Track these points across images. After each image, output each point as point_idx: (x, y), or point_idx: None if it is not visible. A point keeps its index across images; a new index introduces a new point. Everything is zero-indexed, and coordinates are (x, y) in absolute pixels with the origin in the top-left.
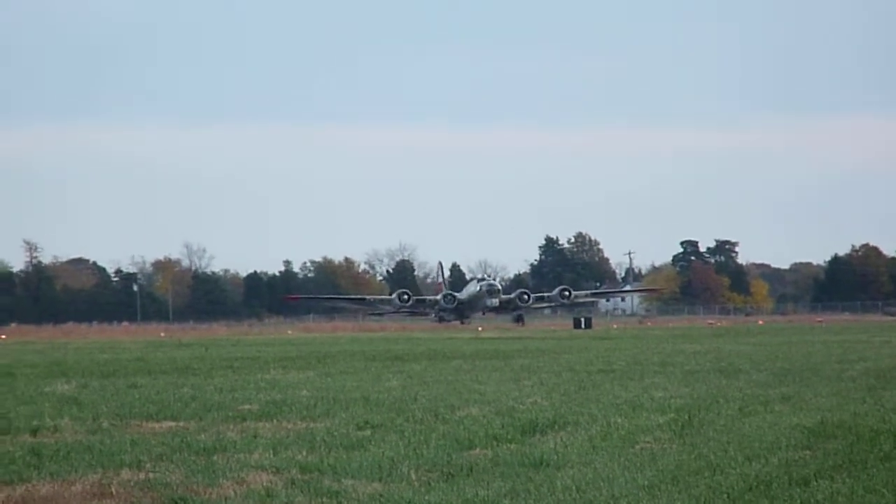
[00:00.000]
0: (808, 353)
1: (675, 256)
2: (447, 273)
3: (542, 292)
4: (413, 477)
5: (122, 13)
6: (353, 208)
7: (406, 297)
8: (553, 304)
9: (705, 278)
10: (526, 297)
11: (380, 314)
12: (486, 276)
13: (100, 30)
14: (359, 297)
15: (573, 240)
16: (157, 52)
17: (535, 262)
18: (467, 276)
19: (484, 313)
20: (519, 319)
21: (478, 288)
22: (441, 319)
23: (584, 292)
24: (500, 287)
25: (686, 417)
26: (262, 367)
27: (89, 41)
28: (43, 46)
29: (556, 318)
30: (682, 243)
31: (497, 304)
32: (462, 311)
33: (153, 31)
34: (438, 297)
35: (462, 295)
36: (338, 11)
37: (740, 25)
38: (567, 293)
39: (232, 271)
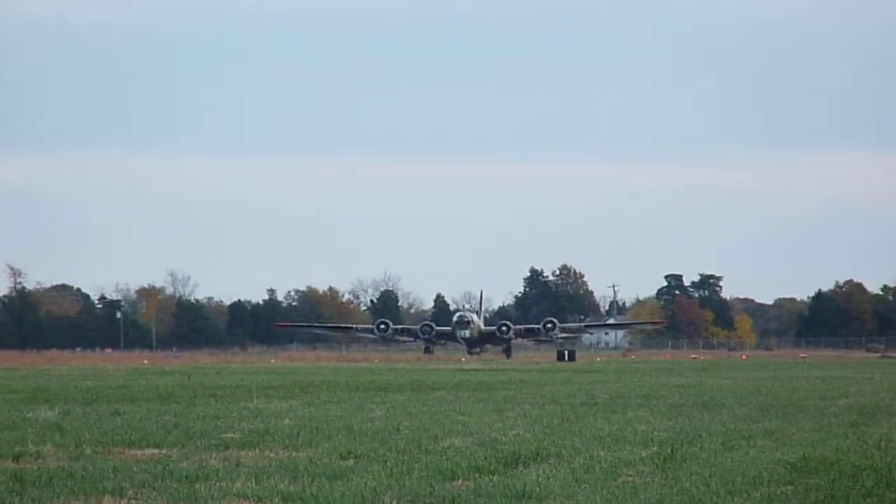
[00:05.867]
0: (792, 388)
1: (659, 290)
2: (476, 304)
3: (527, 324)
4: None
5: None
6: (338, 238)
7: (384, 326)
8: (538, 337)
9: (689, 312)
10: (506, 328)
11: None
12: (465, 307)
13: (86, 54)
14: (345, 325)
15: (558, 272)
16: (145, 80)
17: (520, 295)
18: (451, 308)
19: (480, 347)
20: (506, 351)
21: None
22: (427, 350)
23: (574, 325)
24: (470, 319)
25: (669, 451)
26: (245, 395)
27: (68, 65)
28: (28, 68)
29: (540, 350)
30: (666, 277)
31: (468, 335)
32: (440, 341)
33: (143, 59)
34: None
35: (440, 326)
36: (331, 47)
37: (723, 62)
38: (551, 325)
39: (216, 299)
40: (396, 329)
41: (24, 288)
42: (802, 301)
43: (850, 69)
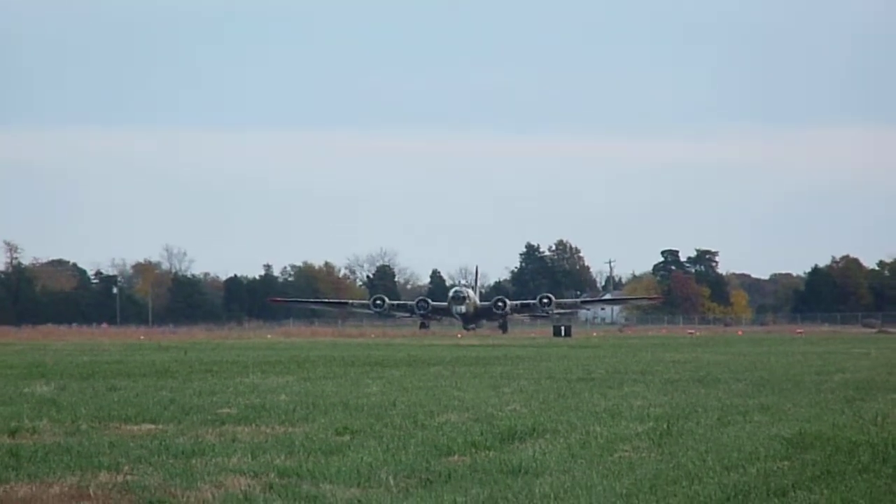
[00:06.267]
0: (788, 363)
1: (655, 265)
2: (472, 279)
3: (524, 300)
4: (391, 483)
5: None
6: (335, 213)
7: (380, 301)
8: (534, 312)
9: (685, 288)
10: (502, 303)
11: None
12: (460, 282)
13: (84, 29)
14: (341, 301)
15: (554, 247)
16: (143, 55)
17: (516, 270)
18: (447, 283)
19: (476, 323)
20: (503, 327)
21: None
22: (422, 325)
23: (570, 300)
24: (466, 294)
25: (665, 426)
26: (241, 370)
27: (66, 43)
28: (25, 42)
29: (536, 325)
30: (662, 252)
31: (464, 311)
32: (436, 317)
33: (142, 33)
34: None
35: (436, 302)
36: (331, 22)
37: (719, 38)
38: (547, 300)
39: (212, 275)
40: (393, 304)
41: (20, 263)
42: (799, 276)
43: (847, 45)
